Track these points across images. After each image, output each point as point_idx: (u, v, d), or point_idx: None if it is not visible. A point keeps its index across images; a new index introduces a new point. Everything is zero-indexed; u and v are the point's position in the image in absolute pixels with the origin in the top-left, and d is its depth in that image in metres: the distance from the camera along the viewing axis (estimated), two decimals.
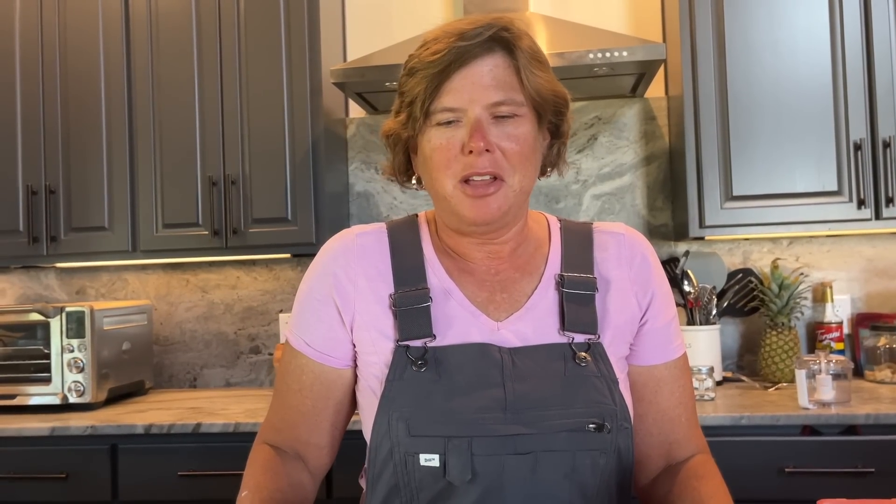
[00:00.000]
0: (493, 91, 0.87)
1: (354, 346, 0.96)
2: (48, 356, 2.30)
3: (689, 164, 2.23)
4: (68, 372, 2.29)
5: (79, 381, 2.28)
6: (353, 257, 0.96)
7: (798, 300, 2.28)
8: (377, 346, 0.93)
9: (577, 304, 0.93)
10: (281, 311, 2.69)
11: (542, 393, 0.88)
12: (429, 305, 0.92)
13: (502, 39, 0.89)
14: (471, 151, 0.87)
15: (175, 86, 2.42)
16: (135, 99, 2.45)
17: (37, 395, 2.30)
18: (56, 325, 2.30)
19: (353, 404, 1.02)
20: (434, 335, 0.91)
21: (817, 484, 1.81)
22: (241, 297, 2.73)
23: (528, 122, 0.89)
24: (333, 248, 0.99)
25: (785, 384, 2.22)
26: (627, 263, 0.97)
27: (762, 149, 2.18)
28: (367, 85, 2.28)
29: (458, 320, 0.93)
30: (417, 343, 0.91)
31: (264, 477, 0.94)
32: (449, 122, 0.89)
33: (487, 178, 0.88)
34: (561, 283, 0.95)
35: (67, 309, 2.30)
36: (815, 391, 1.89)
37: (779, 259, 2.40)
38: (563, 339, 0.92)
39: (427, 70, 0.89)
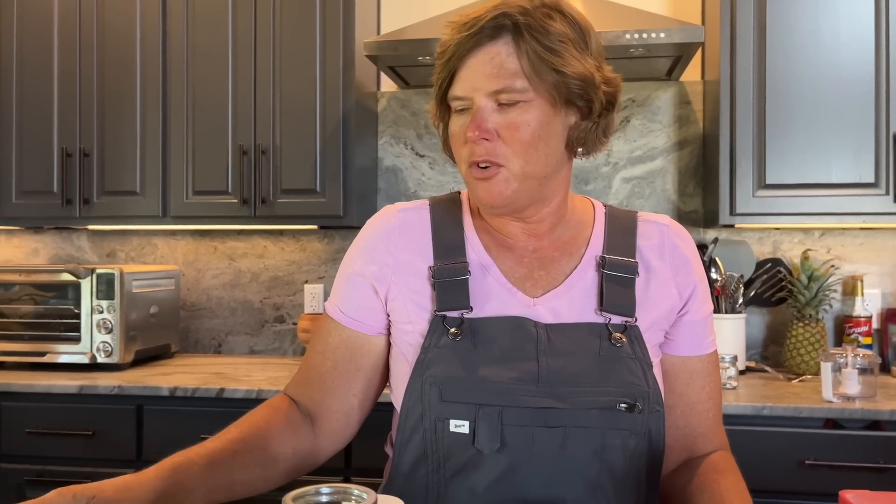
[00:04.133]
0: (493, 80, 0.88)
1: (388, 316, 0.98)
2: (78, 316, 2.35)
3: (723, 150, 2.20)
4: (97, 332, 2.33)
5: (107, 342, 2.33)
6: (394, 232, 0.99)
7: (827, 292, 2.25)
8: (413, 316, 0.95)
9: (617, 285, 0.94)
10: (306, 282, 2.72)
11: (575, 369, 0.89)
12: (467, 279, 0.94)
13: (509, 25, 0.88)
14: (470, 140, 0.90)
15: (209, 54, 2.43)
16: (169, 66, 2.46)
17: (66, 353, 2.35)
18: (87, 285, 2.34)
19: (378, 380, 1.03)
20: (471, 307, 0.92)
21: (838, 478, 1.80)
22: (267, 267, 2.75)
23: (535, 108, 0.89)
24: (375, 224, 1.02)
25: (809, 376, 2.20)
26: (670, 254, 0.98)
27: (798, 137, 2.14)
28: (400, 59, 2.28)
29: (495, 295, 0.94)
30: (454, 314, 0.92)
31: (262, 409, 0.97)
32: (462, 110, 0.92)
33: (487, 165, 0.90)
34: (602, 264, 0.95)
35: (98, 270, 2.34)
36: (840, 385, 1.87)
37: (810, 250, 2.37)
38: (599, 319, 0.93)
39: (442, 58, 0.93)
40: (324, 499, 0.60)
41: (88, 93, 2.50)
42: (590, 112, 0.93)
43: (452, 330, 0.91)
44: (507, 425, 0.86)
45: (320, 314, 2.58)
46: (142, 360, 2.48)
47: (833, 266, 2.34)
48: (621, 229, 0.99)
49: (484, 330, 0.91)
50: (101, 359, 2.33)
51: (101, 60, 2.50)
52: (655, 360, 0.96)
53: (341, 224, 2.42)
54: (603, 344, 0.91)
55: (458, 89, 0.91)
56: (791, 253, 2.44)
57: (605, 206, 1.05)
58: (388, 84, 2.68)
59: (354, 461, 2.00)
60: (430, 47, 2.17)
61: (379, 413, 1.10)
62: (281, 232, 2.74)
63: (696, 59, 2.50)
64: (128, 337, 2.36)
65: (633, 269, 0.96)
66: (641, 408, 0.89)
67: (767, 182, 2.15)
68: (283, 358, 2.68)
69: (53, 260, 2.87)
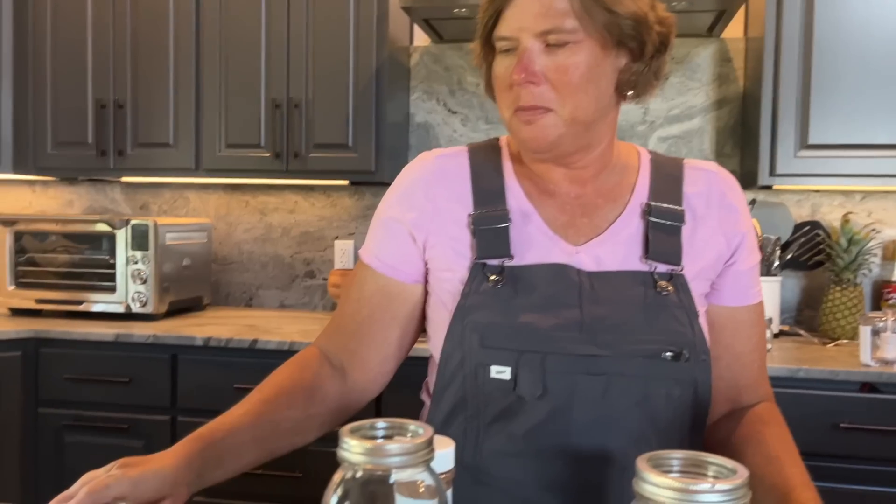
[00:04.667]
0: (541, 19, 0.85)
1: (426, 264, 0.96)
2: (113, 266, 2.38)
3: (765, 109, 2.14)
4: (132, 283, 2.36)
5: (141, 292, 2.36)
6: (432, 179, 0.97)
7: (867, 256, 2.21)
8: (452, 263, 0.93)
9: (663, 233, 0.91)
10: (337, 238, 2.72)
11: (619, 317, 0.87)
12: (508, 226, 0.91)
13: None
14: (516, 84, 0.86)
15: (243, 6, 2.41)
16: (203, 18, 2.45)
17: (102, 302, 2.39)
18: (122, 236, 2.37)
19: (413, 330, 1.01)
20: (512, 255, 0.90)
21: (872, 441, 1.78)
22: (298, 222, 2.76)
23: (584, 49, 0.86)
24: (413, 170, 0.99)
25: (844, 341, 2.17)
26: (718, 202, 0.94)
27: (844, 96, 2.08)
28: (435, 11, 2.24)
29: (536, 243, 0.91)
30: (494, 262, 0.90)
31: (286, 368, 0.94)
32: (508, 51, 0.88)
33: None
34: (648, 211, 0.92)
35: (133, 222, 2.37)
36: (879, 349, 1.84)
37: (850, 213, 2.32)
38: (644, 268, 0.91)
39: None
40: (380, 432, 0.59)
41: (122, 45, 2.50)
42: (641, 54, 0.90)
43: (493, 277, 0.89)
44: (550, 372, 0.85)
45: (350, 270, 2.59)
46: (175, 311, 2.52)
47: (874, 230, 2.30)
48: (667, 176, 0.96)
49: (525, 277, 0.89)
50: (135, 308, 2.36)
51: (135, 12, 2.49)
52: (701, 309, 0.93)
53: (372, 180, 2.41)
54: (648, 292, 0.88)
55: (503, 29, 0.88)
56: (830, 216, 2.40)
57: (650, 152, 1.01)
58: (420, 39, 2.65)
59: (384, 412, 2.02)
60: None
61: (409, 366, 1.09)
62: (312, 187, 2.74)
63: (740, 16, 2.43)
64: (161, 288, 2.39)
65: (679, 217, 0.92)
66: (688, 356, 0.86)
67: (810, 142, 2.10)
68: (313, 312, 2.70)
69: (87, 211, 2.90)
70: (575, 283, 0.89)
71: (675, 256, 0.91)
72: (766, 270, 2.25)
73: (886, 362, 1.83)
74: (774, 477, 0.81)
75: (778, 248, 2.26)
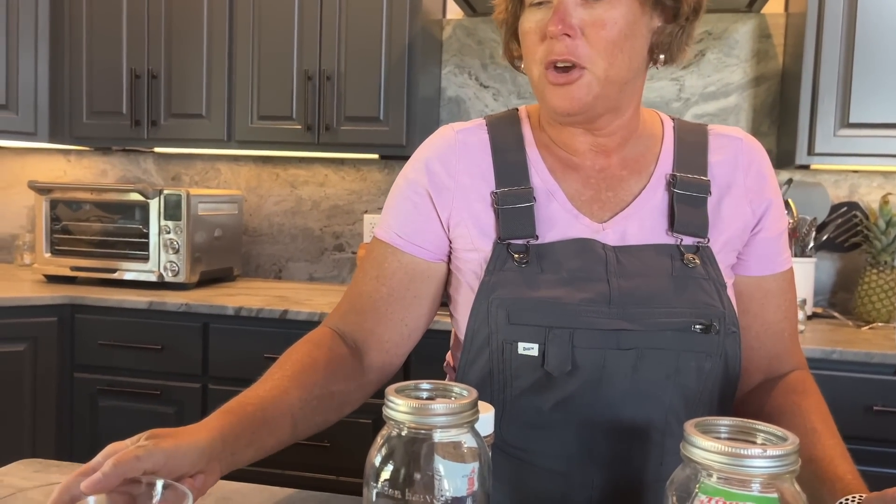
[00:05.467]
0: None
1: (451, 241, 0.94)
2: (146, 235, 2.41)
3: (805, 86, 2.10)
4: (164, 252, 2.39)
5: (174, 262, 2.39)
6: (453, 154, 0.94)
7: None
8: (476, 242, 0.91)
9: (689, 205, 0.89)
10: (366, 212, 2.73)
11: (648, 290, 0.86)
12: (532, 205, 0.90)
13: None
14: (550, 36, 0.82)
15: None
16: None
17: (135, 270, 2.42)
18: (155, 206, 2.39)
19: (431, 308, 0.98)
20: (536, 235, 0.89)
21: None
22: (328, 195, 2.77)
23: (623, 5, 0.83)
24: (434, 143, 0.96)
25: (880, 324, 2.14)
26: (744, 170, 0.92)
27: (887, 75, 2.02)
28: None
29: (561, 222, 0.90)
30: (519, 241, 0.89)
31: (304, 346, 0.89)
32: (540, 4, 0.85)
33: (569, 64, 0.83)
34: (673, 183, 0.90)
35: (166, 192, 2.39)
36: None
37: (890, 194, 2.27)
38: (670, 240, 0.89)
39: None
40: (424, 394, 0.60)
41: (157, 15, 2.51)
42: (676, 15, 0.88)
43: (517, 255, 0.87)
44: (578, 347, 0.84)
45: None
46: (206, 281, 2.54)
47: None
48: (692, 144, 0.93)
49: (550, 254, 0.87)
50: (168, 277, 2.39)
51: None
52: (729, 281, 0.92)
53: (403, 154, 2.40)
54: (675, 265, 0.87)
55: None
56: (869, 197, 2.35)
57: (673, 119, 0.98)
58: (453, 11, 2.62)
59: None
60: None
61: (437, 341, 1.07)
62: (342, 161, 2.74)
63: None
64: (193, 258, 2.42)
65: (705, 188, 0.90)
66: (718, 328, 0.85)
67: (851, 121, 2.05)
68: (342, 286, 2.71)
69: (121, 181, 2.94)
70: (601, 257, 0.87)
71: (701, 229, 0.89)
72: (801, 251, 2.22)
73: None
74: (812, 449, 0.80)
75: (814, 228, 2.23)
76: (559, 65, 0.84)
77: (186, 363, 2.20)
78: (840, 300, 2.39)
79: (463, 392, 0.59)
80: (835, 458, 0.78)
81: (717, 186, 0.92)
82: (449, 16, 2.63)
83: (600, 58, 0.83)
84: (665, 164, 0.93)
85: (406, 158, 2.54)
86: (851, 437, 1.82)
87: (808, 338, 1.92)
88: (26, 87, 2.56)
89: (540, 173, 0.92)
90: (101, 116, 2.58)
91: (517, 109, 1.00)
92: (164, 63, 2.52)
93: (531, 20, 0.86)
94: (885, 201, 2.20)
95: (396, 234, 0.94)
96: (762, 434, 0.52)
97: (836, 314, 2.23)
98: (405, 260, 0.94)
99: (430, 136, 0.98)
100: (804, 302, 2.00)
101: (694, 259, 0.88)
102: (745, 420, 0.53)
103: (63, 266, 2.48)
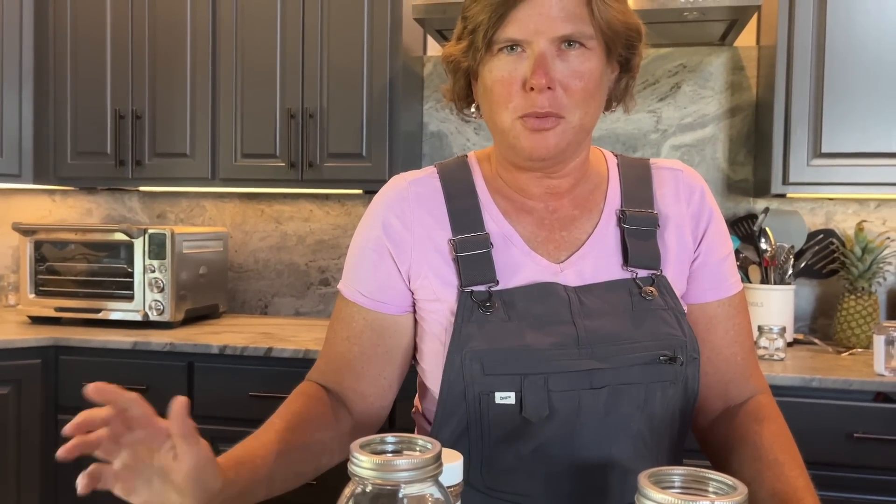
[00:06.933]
0: (561, 23, 0.83)
1: (413, 293, 0.95)
2: (131, 275, 2.41)
3: (777, 117, 2.14)
4: (149, 291, 2.40)
5: (159, 301, 2.39)
6: (406, 205, 0.94)
7: (881, 265, 2.20)
8: (439, 293, 0.92)
9: (639, 239, 0.92)
10: None
11: (612, 328, 0.88)
12: (490, 251, 0.91)
13: None
14: (532, 88, 0.84)
15: (258, 17, 2.44)
16: (219, 30, 2.48)
17: (119, 310, 2.43)
18: (139, 245, 2.40)
19: (407, 357, 1.00)
20: (497, 280, 0.90)
21: (886, 452, 1.78)
22: (313, 230, 2.79)
23: (595, 57, 0.86)
24: (387, 196, 0.96)
25: (859, 350, 2.16)
26: (686, 200, 0.96)
27: (857, 105, 2.07)
28: (448, 21, 2.25)
29: (520, 266, 0.91)
30: (481, 288, 0.90)
31: (297, 398, 0.92)
32: (512, 48, 0.85)
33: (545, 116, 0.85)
34: (622, 218, 0.93)
35: (150, 231, 2.40)
36: (893, 358, 1.83)
37: (865, 221, 2.31)
38: (626, 275, 0.92)
39: None
40: (389, 447, 0.61)
41: (140, 56, 2.54)
42: (628, 66, 0.92)
43: (483, 303, 0.88)
44: (554, 391, 0.85)
45: None
46: (191, 318, 2.55)
47: (888, 238, 2.29)
48: (637, 179, 0.97)
49: (515, 300, 0.89)
50: (153, 316, 2.40)
51: (153, 24, 2.53)
52: (685, 307, 0.94)
53: None
54: (634, 299, 0.90)
55: (513, 31, 0.84)
56: (844, 224, 2.39)
57: (615, 155, 1.01)
58: (433, 48, 2.67)
59: (398, 422, 2.03)
60: None
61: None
62: (326, 196, 2.77)
63: (752, 24, 2.43)
64: (178, 296, 2.42)
65: (653, 221, 0.93)
66: (682, 359, 0.88)
67: (823, 150, 2.10)
68: (328, 320, 2.71)
69: (106, 220, 2.95)
70: (564, 299, 0.89)
71: (654, 260, 0.92)
72: (781, 279, 2.25)
73: None
74: (774, 482, 0.80)
75: (791, 256, 2.26)
76: (537, 117, 0.85)
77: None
78: (820, 326, 2.42)
79: (427, 445, 0.60)
80: (798, 490, 0.79)
81: (663, 218, 0.95)
82: (429, 52, 2.68)
83: (577, 108, 0.86)
84: (613, 200, 0.96)
85: None
86: (832, 465, 1.85)
87: (788, 365, 1.94)
88: (10, 129, 2.58)
89: (494, 218, 0.94)
90: (86, 157, 2.60)
91: (466, 156, 1.01)
92: (148, 103, 2.54)
93: (502, 69, 0.86)
94: (860, 228, 2.24)
95: (359, 292, 0.96)
96: (713, 483, 0.54)
97: (816, 340, 2.25)
98: (370, 317, 0.96)
99: (381, 188, 0.99)
100: (783, 330, 2.02)
101: (651, 291, 0.90)
102: (698, 469, 0.55)
103: (47, 307, 2.48)
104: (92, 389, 0.66)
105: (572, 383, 0.86)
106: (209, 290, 2.62)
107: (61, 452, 0.66)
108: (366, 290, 0.96)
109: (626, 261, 0.92)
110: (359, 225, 0.99)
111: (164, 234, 2.39)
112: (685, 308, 0.95)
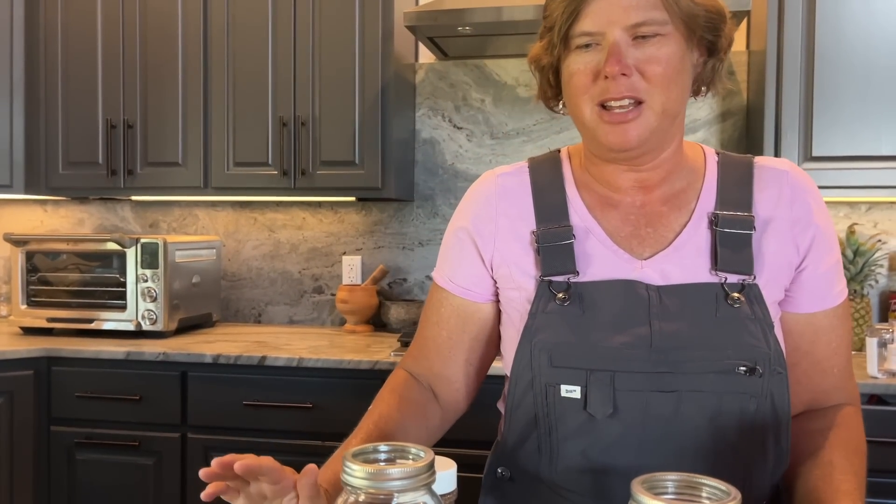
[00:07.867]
0: (633, 11, 0.84)
1: (495, 282, 0.98)
2: (123, 284, 2.41)
3: (768, 121, 2.16)
4: (142, 300, 2.39)
5: (151, 310, 2.38)
6: (493, 198, 0.98)
7: (873, 267, 2.21)
8: (518, 281, 0.94)
9: (732, 243, 0.88)
10: (344, 254, 2.74)
11: (690, 333, 0.85)
12: (572, 242, 0.91)
13: None
14: (606, 76, 0.84)
15: (250, 26, 2.45)
16: (211, 38, 2.48)
17: (112, 320, 2.41)
18: (132, 255, 2.39)
19: (492, 345, 1.03)
20: (577, 271, 0.90)
21: (880, 454, 1.78)
22: (306, 238, 2.78)
23: (673, 42, 0.85)
24: (475, 190, 1.01)
25: (853, 352, 2.16)
26: (789, 204, 0.90)
27: (847, 108, 2.09)
28: (440, 29, 2.26)
29: (600, 258, 0.91)
30: (560, 279, 0.90)
31: (390, 396, 0.96)
32: (587, 46, 0.86)
33: (626, 103, 0.85)
34: (715, 221, 0.90)
35: (143, 240, 2.39)
36: (886, 360, 1.84)
37: (856, 224, 2.32)
38: (714, 279, 0.88)
39: None
40: (382, 456, 0.61)
41: (132, 65, 2.54)
42: (715, 49, 0.90)
43: (560, 295, 0.89)
44: (620, 390, 0.85)
45: (358, 285, 2.61)
46: (185, 328, 2.54)
47: (880, 241, 2.30)
48: (736, 179, 0.93)
49: (592, 294, 0.89)
50: (146, 326, 2.39)
51: (144, 33, 2.52)
52: (776, 317, 0.90)
53: (379, 196, 2.43)
54: (719, 305, 0.86)
55: (587, 24, 0.85)
56: (836, 227, 2.40)
57: (717, 152, 0.97)
58: (425, 56, 2.67)
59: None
60: (469, 17, 2.15)
61: (491, 386, 1.10)
62: (319, 204, 2.76)
63: (742, 29, 2.44)
64: (171, 305, 2.42)
65: (749, 225, 0.89)
66: (762, 371, 0.84)
67: (814, 154, 2.11)
68: (321, 328, 2.71)
69: (98, 230, 2.94)
70: (643, 298, 0.88)
71: (746, 266, 0.88)
72: None
73: (893, 374, 1.83)
74: (818, 481, 0.82)
75: None
76: (616, 109, 0.85)
77: (165, 413, 2.18)
78: None
79: (420, 453, 0.60)
80: (838, 493, 0.80)
81: (761, 221, 0.90)
82: (421, 60, 2.68)
83: (658, 92, 0.85)
84: (707, 199, 0.92)
85: (382, 200, 2.60)
86: None
87: None
88: (1, 139, 2.57)
89: (579, 212, 0.94)
90: (78, 167, 2.59)
91: (559, 151, 1.02)
92: (140, 112, 2.54)
93: (579, 62, 0.87)
94: (851, 231, 2.25)
95: (449, 279, 1.01)
96: (707, 489, 0.54)
97: None
98: (457, 303, 1.00)
99: (475, 181, 1.04)
100: None
101: (739, 298, 0.87)
102: (692, 475, 0.55)
103: (39, 318, 2.47)
104: (240, 468, 0.69)
105: (639, 384, 0.85)
106: (202, 299, 2.61)
107: (204, 497, 0.72)
108: (453, 277, 1.00)
109: (716, 264, 0.88)
110: (452, 217, 1.03)
111: (157, 244, 2.38)
112: (778, 317, 0.91)
